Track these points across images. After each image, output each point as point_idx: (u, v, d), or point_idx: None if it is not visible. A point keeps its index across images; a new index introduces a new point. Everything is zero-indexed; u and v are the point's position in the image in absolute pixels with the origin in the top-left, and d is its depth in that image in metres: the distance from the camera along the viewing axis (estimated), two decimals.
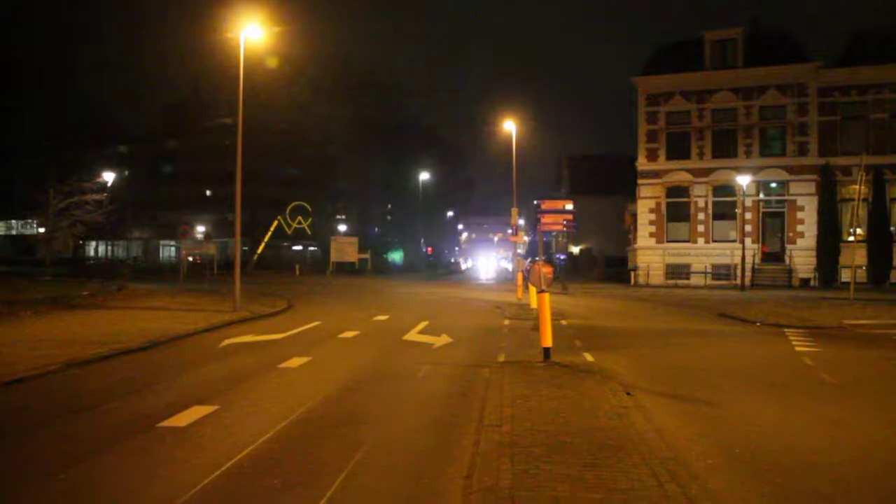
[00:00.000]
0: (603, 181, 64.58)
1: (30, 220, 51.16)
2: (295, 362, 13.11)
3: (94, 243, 79.45)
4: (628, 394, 10.17)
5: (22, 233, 75.77)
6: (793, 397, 10.81)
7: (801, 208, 41.80)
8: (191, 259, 52.27)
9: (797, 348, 15.99)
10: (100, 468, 6.96)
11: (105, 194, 40.29)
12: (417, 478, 6.65)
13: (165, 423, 8.51)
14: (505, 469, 6.42)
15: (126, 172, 78.05)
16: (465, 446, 7.63)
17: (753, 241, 41.96)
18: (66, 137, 73.18)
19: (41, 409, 9.58)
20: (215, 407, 9.33)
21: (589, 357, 13.73)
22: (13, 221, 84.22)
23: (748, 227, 41.75)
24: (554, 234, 68.15)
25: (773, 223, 42.97)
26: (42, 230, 42.88)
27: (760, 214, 42.87)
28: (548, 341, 12.42)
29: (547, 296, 12.56)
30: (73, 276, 43.76)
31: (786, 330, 19.36)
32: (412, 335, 17.58)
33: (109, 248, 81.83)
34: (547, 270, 12.62)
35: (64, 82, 76.42)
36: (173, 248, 79.96)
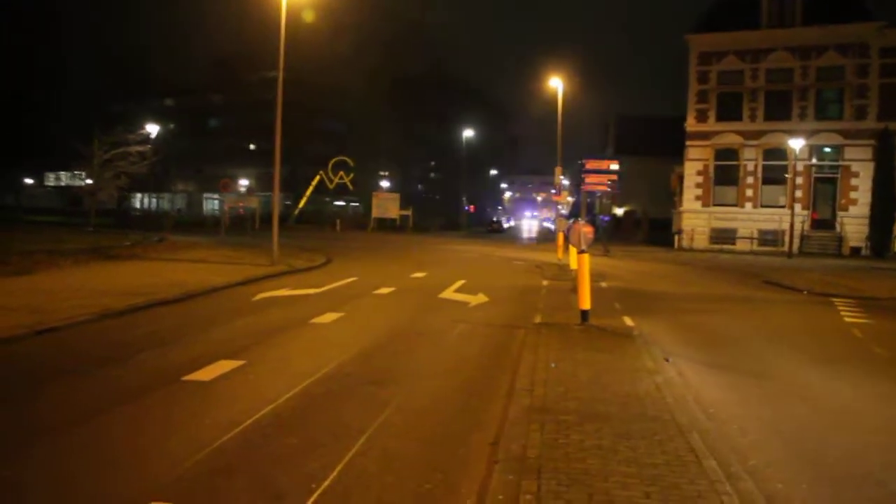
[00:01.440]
0: (650, 142, 63.21)
1: (77, 172, 51.69)
2: (328, 318, 12.90)
3: (139, 195, 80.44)
4: (667, 360, 9.78)
5: (70, 184, 76.80)
6: (842, 370, 10.32)
7: (856, 174, 40.35)
8: (232, 211, 52.58)
9: (846, 319, 15.40)
10: (119, 421, 6.80)
11: (148, 146, 40.43)
12: (442, 442, 6.36)
13: (190, 377, 8.33)
14: (533, 437, 6.09)
15: (171, 125, 78.50)
16: (494, 411, 7.32)
17: (803, 208, 40.67)
18: (112, 90, 73.67)
19: (70, 359, 9.49)
20: (242, 362, 9.14)
21: (628, 321, 13.31)
22: (62, 173, 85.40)
23: (798, 193, 40.44)
24: (598, 194, 67.06)
25: (825, 189, 41.60)
26: (89, 182, 43.27)
27: (812, 180, 41.54)
28: (586, 303, 12.02)
29: (586, 256, 12.13)
30: (117, 227, 44.24)
31: (834, 300, 18.69)
32: (448, 293, 17.30)
33: (154, 200, 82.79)
34: (587, 230, 12.17)
35: (107, 35, 76.39)
36: (217, 202, 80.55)
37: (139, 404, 7.33)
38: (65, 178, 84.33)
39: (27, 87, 55.78)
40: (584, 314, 12.02)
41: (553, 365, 8.92)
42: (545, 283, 20.42)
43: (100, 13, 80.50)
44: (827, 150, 41.38)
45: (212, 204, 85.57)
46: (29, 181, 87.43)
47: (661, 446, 5.95)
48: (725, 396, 8.41)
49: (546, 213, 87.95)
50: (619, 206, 69.45)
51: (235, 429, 6.46)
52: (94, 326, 11.60)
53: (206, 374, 8.52)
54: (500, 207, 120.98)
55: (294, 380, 8.28)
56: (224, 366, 8.90)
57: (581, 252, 12.18)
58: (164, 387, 7.98)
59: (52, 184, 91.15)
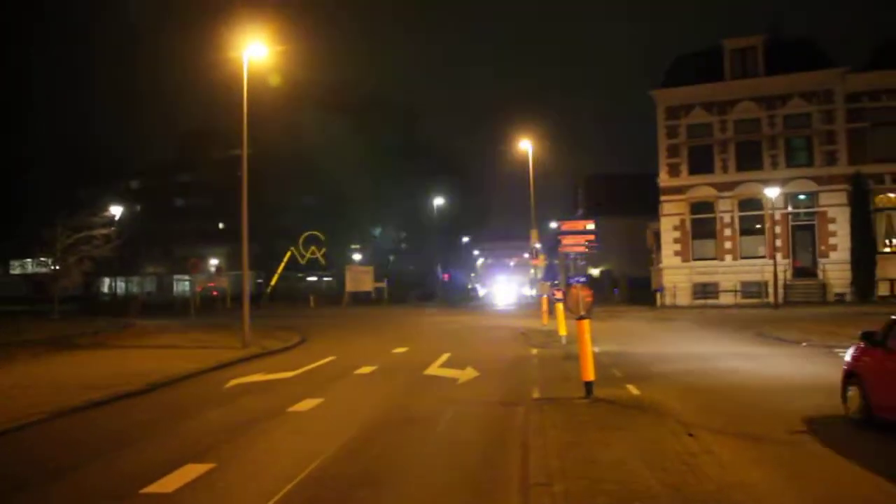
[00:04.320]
0: (620, 201, 63.14)
1: (43, 259, 50.32)
2: (306, 405, 11.75)
3: (106, 280, 78.73)
4: (690, 435, 8.74)
5: (36, 271, 75.06)
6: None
7: (833, 220, 40.01)
8: (202, 292, 51.23)
9: None
10: None
11: (112, 228, 39.31)
12: None
13: (149, 489, 7.15)
14: None
15: (137, 207, 77.28)
16: None
17: (784, 257, 40.16)
18: (74, 175, 72.58)
19: (12, 471, 8.24)
20: (211, 465, 7.98)
21: (633, 389, 12.31)
22: (28, 261, 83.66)
23: (778, 242, 39.99)
24: (571, 256, 66.69)
25: (804, 237, 41.21)
26: (53, 268, 41.98)
27: (790, 228, 41.14)
28: (590, 374, 11.04)
29: (587, 323, 11.18)
30: (84, 313, 42.73)
31: (837, 350, 17.75)
32: (434, 369, 16.17)
33: (123, 284, 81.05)
34: (586, 293, 11.24)
35: (69, 119, 75.70)
36: (188, 283, 79.15)
37: None
38: (30, 266, 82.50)
39: None
40: (589, 386, 11.02)
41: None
42: (534, 351, 19.38)
43: (61, 98, 79.91)
44: (801, 197, 41.12)
45: (182, 285, 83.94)
46: None
47: None
48: (769, 474, 7.33)
49: (521, 278, 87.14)
50: (594, 266, 68.94)
51: None
52: (45, 428, 10.40)
53: (168, 483, 7.35)
54: (472, 274, 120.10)
55: (271, 485, 7.15)
56: (190, 471, 7.74)
57: (580, 318, 11.21)
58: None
59: (17, 272, 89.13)
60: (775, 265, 37.29)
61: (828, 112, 40.34)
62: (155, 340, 24.03)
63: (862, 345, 10.01)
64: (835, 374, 14.42)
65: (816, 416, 10.25)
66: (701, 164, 42.65)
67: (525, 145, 41.63)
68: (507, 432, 9.51)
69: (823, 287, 39.70)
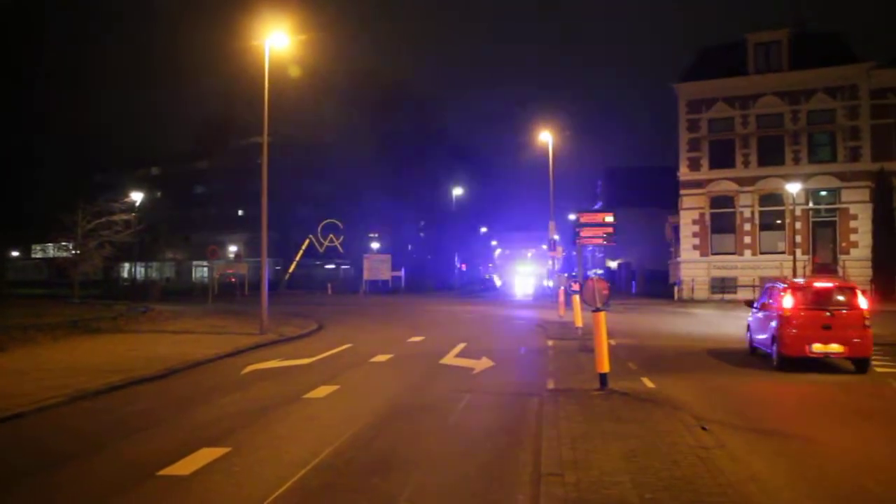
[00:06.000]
0: (640, 194, 62.84)
1: (64, 244, 50.76)
2: (322, 391, 11.83)
3: (126, 265, 79.34)
4: (704, 428, 8.73)
5: (57, 255, 75.76)
6: (892, 428, 9.30)
7: (855, 217, 39.73)
8: (220, 278, 51.49)
9: (877, 369, 14.37)
10: None
11: (133, 214, 39.64)
12: None
13: (166, 472, 7.26)
14: None
15: (158, 194, 77.73)
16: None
17: (803, 253, 39.89)
18: (96, 160, 73.03)
19: (32, 452, 8.42)
20: (227, 449, 8.08)
21: (648, 382, 12.29)
22: (49, 245, 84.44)
23: (798, 238, 39.74)
24: (590, 248, 66.46)
25: (824, 233, 40.91)
26: (74, 252, 42.39)
27: (810, 224, 40.87)
28: (605, 366, 11.03)
29: (603, 315, 11.17)
30: (103, 298, 43.12)
31: None
32: (449, 358, 16.22)
33: (142, 269, 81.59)
34: (602, 286, 11.24)
35: (92, 105, 75.86)
36: (206, 269, 79.61)
37: None
38: (52, 250, 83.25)
39: (6, 159, 54.92)
40: (603, 378, 11.01)
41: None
42: (550, 342, 19.36)
43: (83, 84, 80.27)
44: (823, 193, 40.84)
45: (201, 272, 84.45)
46: (15, 254, 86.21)
47: None
48: (780, 469, 7.35)
49: (538, 269, 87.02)
50: (612, 259, 68.76)
51: None
52: (64, 411, 10.51)
53: (185, 466, 7.45)
54: (490, 264, 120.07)
55: (286, 470, 7.23)
56: (207, 455, 7.84)
57: (596, 310, 11.22)
58: (135, 486, 6.90)
59: (39, 256, 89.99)
60: (794, 261, 37.04)
61: (852, 107, 40.00)
62: (173, 326, 24.23)
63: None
64: (842, 373, 14.39)
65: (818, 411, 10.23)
66: (722, 158, 42.45)
67: (545, 137, 41.53)
68: (521, 422, 9.55)
69: None
